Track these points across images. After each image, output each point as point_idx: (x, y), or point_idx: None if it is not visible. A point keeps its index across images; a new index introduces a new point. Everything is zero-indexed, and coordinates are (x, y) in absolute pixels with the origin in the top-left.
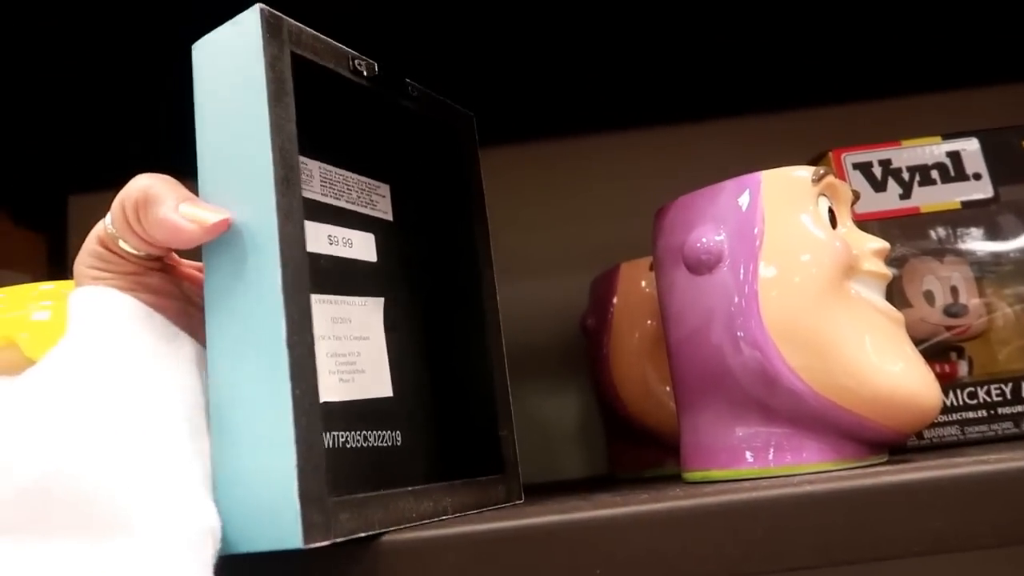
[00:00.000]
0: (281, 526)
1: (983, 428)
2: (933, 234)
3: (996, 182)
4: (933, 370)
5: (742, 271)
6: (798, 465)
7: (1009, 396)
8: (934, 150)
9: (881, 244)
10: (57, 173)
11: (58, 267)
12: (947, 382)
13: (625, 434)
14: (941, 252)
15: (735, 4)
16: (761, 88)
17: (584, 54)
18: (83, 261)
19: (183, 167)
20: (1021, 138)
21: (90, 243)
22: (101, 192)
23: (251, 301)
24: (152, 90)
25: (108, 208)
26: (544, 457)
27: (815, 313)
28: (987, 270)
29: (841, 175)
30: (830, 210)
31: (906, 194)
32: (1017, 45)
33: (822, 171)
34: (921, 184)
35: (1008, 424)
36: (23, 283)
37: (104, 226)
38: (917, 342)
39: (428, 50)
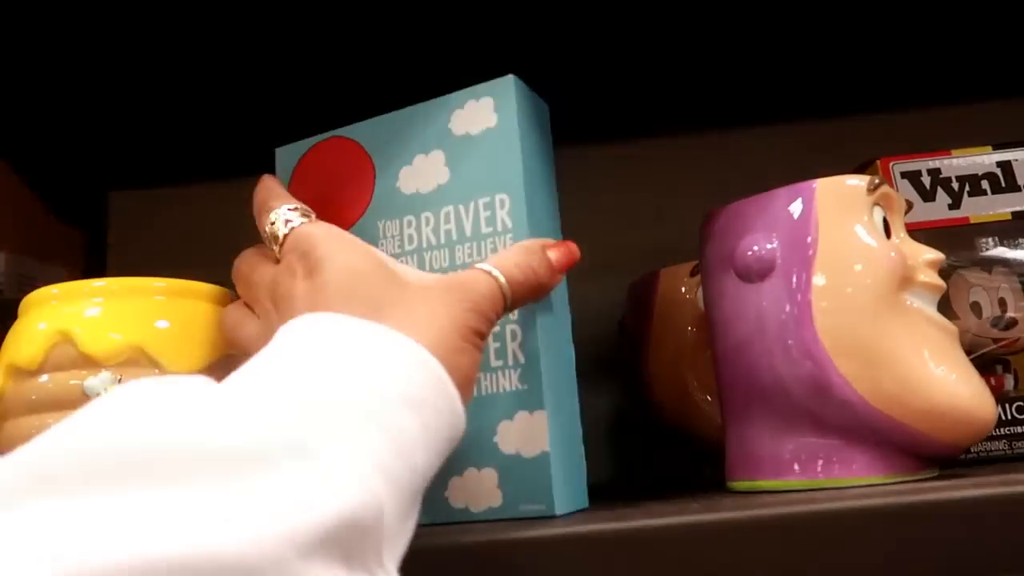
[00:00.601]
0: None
1: None
2: (982, 245)
3: None
4: None
5: (794, 280)
6: (847, 478)
7: None
8: (984, 160)
9: (936, 255)
10: (98, 169)
11: (96, 263)
12: (994, 396)
13: (662, 439)
14: (989, 263)
15: (784, 9)
16: (808, 94)
17: (629, 57)
18: (475, 343)
19: (225, 166)
20: None
21: (488, 315)
22: (141, 189)
23: (559, 317)
24: (194, 88)
25: (150, 206)
26: None
27: (869, 323)
28: None
29: (889, 184)
30: (884, 220)
31: (955, 204)
32: None
33: (877, 180)
34: (971, 194)
35: None
36: (61, 277)
37: (505, 301)
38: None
39: (472, 46)
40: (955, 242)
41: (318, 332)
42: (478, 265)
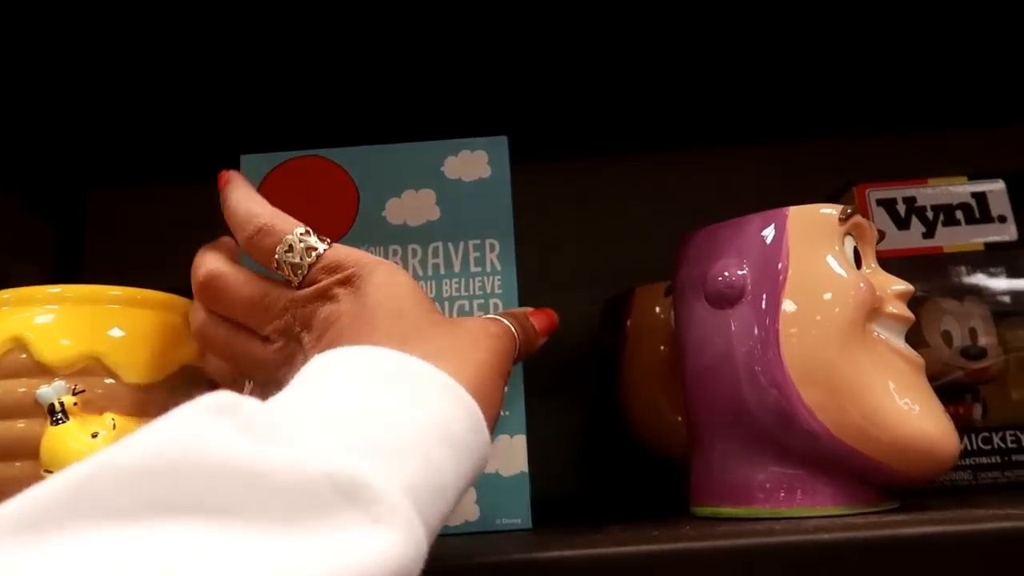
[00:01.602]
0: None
1: (996, 474)
2: (954, 274)
3: (1021, 225)
4: (947, 412)
5: (764, 307)
6: (810, 507)
7: None
8: (960, 190)
9: (905, 287)
10: (77, 166)
11: (69, 259)
12: (960, 424)
13: (634, 458)
14: (961, 293)
15: (765, 31)
16: (786, 116)
17: (610, 74)
18: (502, 385)
19: (206, 166)
20: None
21: (511, 360)
22: (120, 187)
23: None
24: (178, 87)
25: (128, 204)
26: (544, 475)
27: (836, 353)
28: (1007, 314)
29: (865, 210)
30: (855, 250)
31: (929, 233)
32: None
33: (849, 210)
34: (945, 224)
35: (1022, 472)
36: (35, 275)
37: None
38: (932, 381)
39: (457, 66)
40: (928, 270)
41: (366, 365)
42: (496, 315)
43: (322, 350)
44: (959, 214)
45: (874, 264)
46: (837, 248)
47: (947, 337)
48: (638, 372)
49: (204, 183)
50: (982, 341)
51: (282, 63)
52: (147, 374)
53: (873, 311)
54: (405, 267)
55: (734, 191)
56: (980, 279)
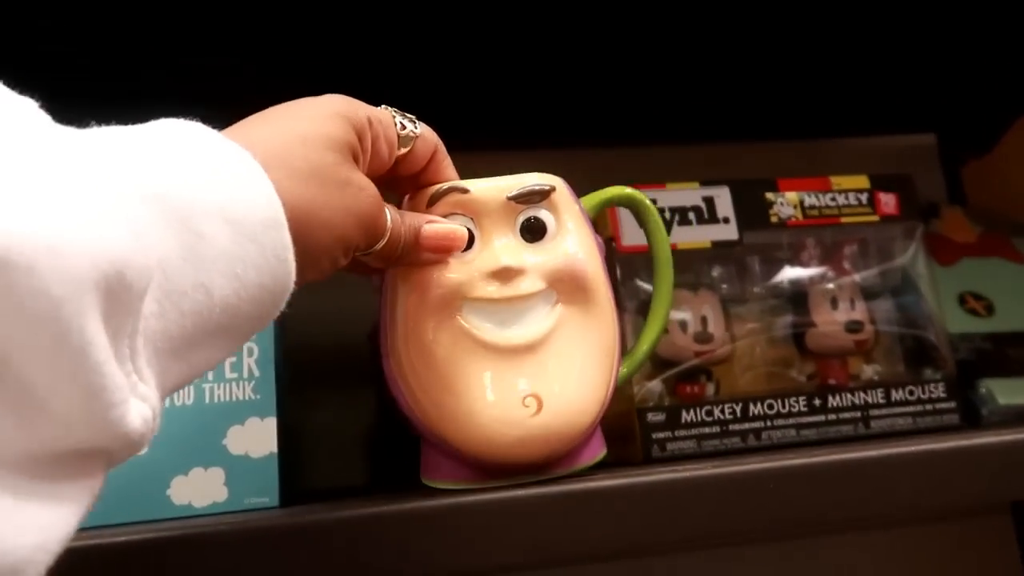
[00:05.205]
0: None
1: (716, 442)
2: (688, 268)
3: (741, 227)
4: (684, 391)
5: (387, 306)
6: (441, 480)
7: (739, 414)
8: (692, 194)
9: (495, 266)
10: None
11: None
12: (695, 401)
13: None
14: (695, 285)
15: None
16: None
17: None
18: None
19: None
20: (764, 190)
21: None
22: None
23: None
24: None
25: None
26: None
27: (414, 351)
28: (733, 303)
29: (612, 211)
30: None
31: (666, 231)
32: (768, 107)
33: (444, 188)
34: (680, 223)
35: (736, 439)
36: None
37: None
38: (672, 364)
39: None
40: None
41: (167, 131)
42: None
43: None
44: (691, 215)
45: (505, 240)
46: None
47: (683, 324)
48: None
49: None
50: (711, 327)
51: None
52: None
53: (454, 298)
54: None
55: None
56: (709, 273)
